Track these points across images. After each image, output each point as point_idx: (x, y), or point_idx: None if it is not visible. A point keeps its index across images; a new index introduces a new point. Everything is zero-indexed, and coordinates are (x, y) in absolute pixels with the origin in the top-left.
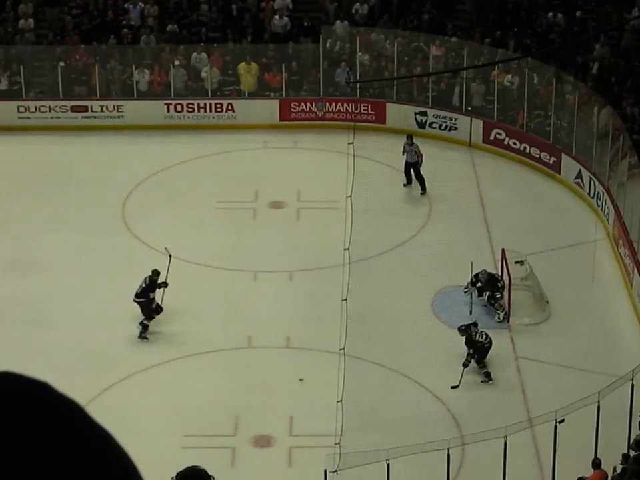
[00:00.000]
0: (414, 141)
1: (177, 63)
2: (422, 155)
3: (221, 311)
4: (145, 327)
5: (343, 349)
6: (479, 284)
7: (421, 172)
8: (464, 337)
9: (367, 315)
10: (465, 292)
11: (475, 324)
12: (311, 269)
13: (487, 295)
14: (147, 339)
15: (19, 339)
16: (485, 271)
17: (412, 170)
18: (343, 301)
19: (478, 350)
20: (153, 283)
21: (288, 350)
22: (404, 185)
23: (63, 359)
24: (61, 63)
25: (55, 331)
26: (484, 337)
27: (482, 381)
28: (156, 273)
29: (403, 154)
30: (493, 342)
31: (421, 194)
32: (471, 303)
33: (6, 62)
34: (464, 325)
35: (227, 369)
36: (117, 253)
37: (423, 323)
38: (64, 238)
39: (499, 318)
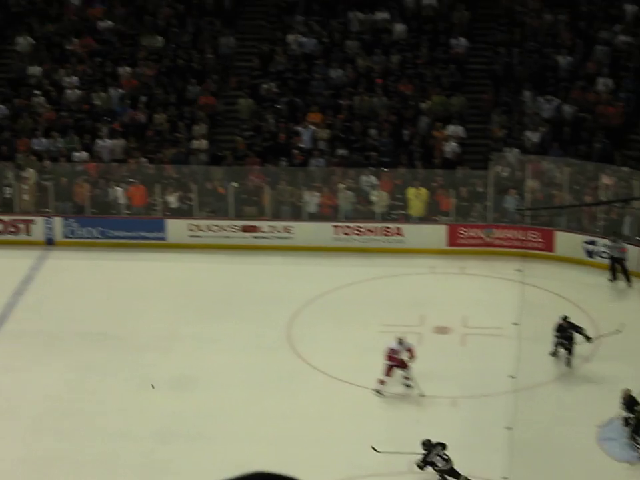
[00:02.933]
0: (618, 238)
1: (343, 185)
2: (626, 251)
3: (382, 436)
4: None
5: (507, 478)
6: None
7: (626, 266)
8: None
9: (531, 444)
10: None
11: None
12: (475, 396)
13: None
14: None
15: (179, 454)
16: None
17: (617, 264)
18: (507, 429)
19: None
20: None
21: None
22: (609, 280)
23: (221, 475)
24: (234, 184)
25: (215, 447)
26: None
27: None
28: None
29: (608, 253)
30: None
31: (628, 286)
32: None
33: (178, 181)
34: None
35: None
36: (280, 372)
37: (587, 455)
38: (230, 356)
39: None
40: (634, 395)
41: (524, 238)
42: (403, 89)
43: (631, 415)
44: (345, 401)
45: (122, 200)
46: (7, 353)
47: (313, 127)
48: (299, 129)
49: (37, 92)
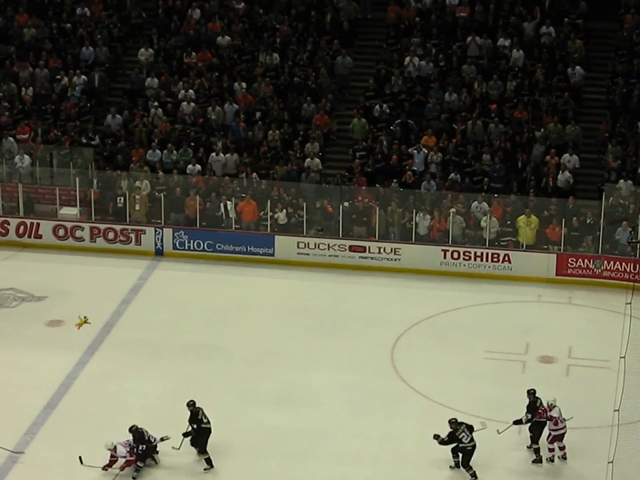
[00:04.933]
0: None
1: (454, 210)
2: None
3: (477, 463)
4: None
5: None
6: None
7: None
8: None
9: (631, 479)
10: None
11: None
12: (577, 427)
13: None
14: None
15: (276, 470)
16: None
17: None
18: (608, 463)
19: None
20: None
21: None
22: None
23: None
24: (345, 203)
25: (312, 465)
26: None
27: None
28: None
29: None
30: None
31: None
32: None
33: (289, 198)
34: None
35: None
36: (382, 394)
37: None
38: (332, 375)
39: None
40: None
41: (634, 271)
42: (518, 115)
43: None
44: (445, 426)
45: (232, 214)
46: (113, 361)
47: (425, 150)
48: (412, 151)
49: (154, 104)
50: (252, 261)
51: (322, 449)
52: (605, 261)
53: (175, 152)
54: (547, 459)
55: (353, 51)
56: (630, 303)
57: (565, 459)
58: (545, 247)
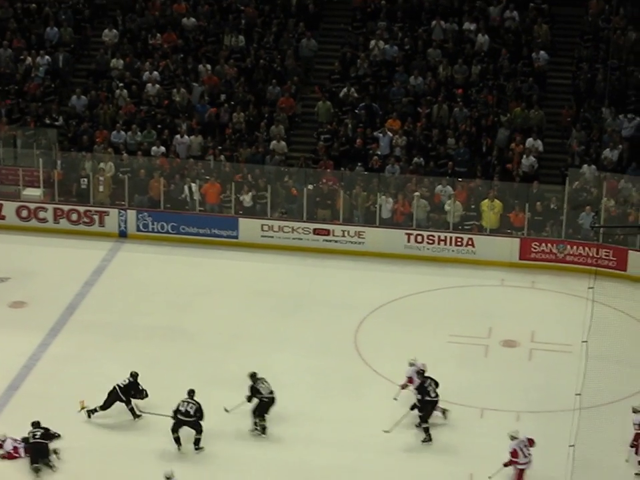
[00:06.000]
0: None
1: (418, 193)
2: None
3: (442, 446)
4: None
5: None
6: None
7: None
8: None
9: (593, 463)
10: None
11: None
12: (539, 411)
13: None
14: None
15: (241, 452)
16: None
17: None
18: (570, 446)
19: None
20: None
21: None
22: None
23: (286, 477)
24: (309, 186)
25: (275, 447)
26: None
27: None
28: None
29: None
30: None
31: None
32: None
33: (254, 181)
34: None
35: None
36: (345, 377)
37: None
38: (296, 357)
39: None
40: None
41: (597, 255)
42: (484, 97)
43: None
44: (407, 409)
45: (196, 196)
46: (76, 343)
47: (390, 134)
48: (377, 134)
49: (119, 85)
50: (216, 243)
51: (283, 431)
52: (569, 246)
53: (139, 133)
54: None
55: (319, 34)
56: (592, 288)
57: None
58: (509, 231)
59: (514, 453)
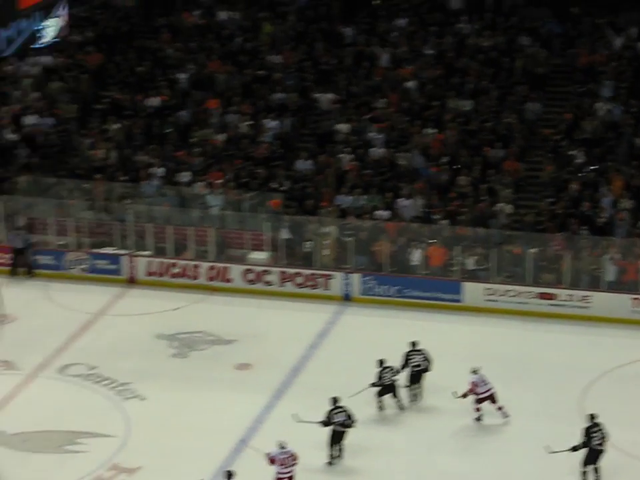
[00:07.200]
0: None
1: None
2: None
3: None
4: None
5: None
6: None
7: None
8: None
9: None
10: None
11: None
12: None
13: None
14: None
15: None
16: None
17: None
18: None
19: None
20: None
21: None
22: None
23: None
24: (532, 250)
25: None
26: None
27: None
28: None
29: None
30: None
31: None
32: None
33: (478, 244)
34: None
35: None
36: (570, 443)
37: None
38: (517, 422)
39: None
40: None
41: None
42: None
43: None
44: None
45: (419, 260)
46: (300, 406)
47: (613, 195)
48: (602, 197)
49: (344, 148)
50: (439, 307)
51: None
52: None
53: (363, 197)
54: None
55: (545, 97)
56: None
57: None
58: None
59: (272, 461)
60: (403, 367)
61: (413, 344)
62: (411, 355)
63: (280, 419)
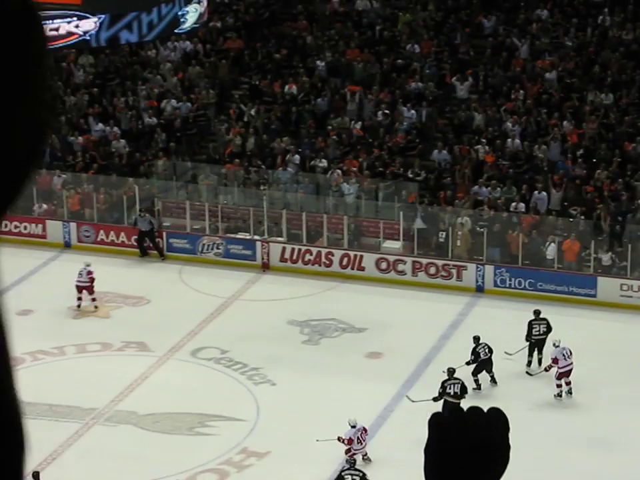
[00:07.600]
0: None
1: None
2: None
3: None
4: None
5: None
6: None
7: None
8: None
9: None
10: None
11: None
12: None
13: None
14: None
15: None
16: None
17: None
18: None
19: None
20: None
21: None
22: None
23: None
24: None
25: None
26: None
27: None
28: None
29: None
30: None
31: None
32: None
33: (614, 240)
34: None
35: None
36: None
37: None
38: None
39: None
40: None
41: None
42: None
43: None
44: None
45: (554, 254)
46: (430, 396)
47: None
48: None
49: (480, 139)
50: (573, 301)
51: None
52: None
53: (499, 189)
54: (555, 395)
55: None
56: None
57: (571, 393)
58: None
59: (349, 441)
60: (527, 336)
61: (536, 312)
62: (534, 324)
63: (409, 408)
